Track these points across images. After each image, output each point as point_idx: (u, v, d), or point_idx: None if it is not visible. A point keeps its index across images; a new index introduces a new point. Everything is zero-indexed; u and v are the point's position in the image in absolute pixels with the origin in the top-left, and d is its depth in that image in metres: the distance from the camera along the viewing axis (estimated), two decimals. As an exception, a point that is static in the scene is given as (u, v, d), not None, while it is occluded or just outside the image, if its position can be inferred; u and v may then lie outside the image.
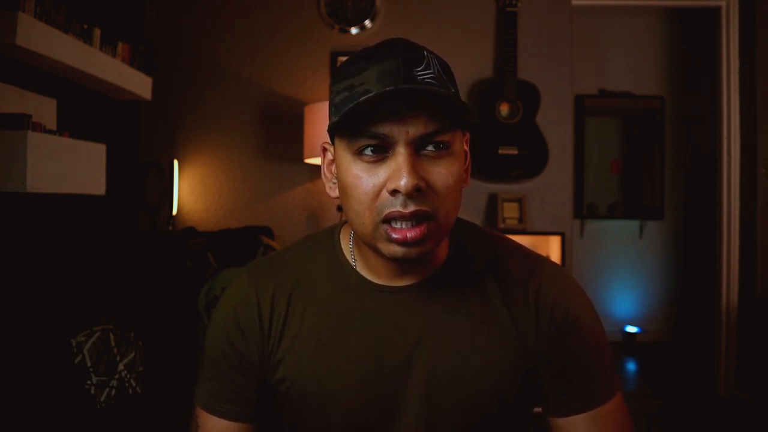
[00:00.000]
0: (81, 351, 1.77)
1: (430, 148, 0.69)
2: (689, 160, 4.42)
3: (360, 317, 0.78)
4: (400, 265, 0.76)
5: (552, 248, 2.86)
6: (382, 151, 0.69)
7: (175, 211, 2.92)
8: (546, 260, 0.84)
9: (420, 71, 0.67)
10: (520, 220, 2.91)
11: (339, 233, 0.84)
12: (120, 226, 2.72)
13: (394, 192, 0.67)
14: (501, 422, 0.79)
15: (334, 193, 0.77)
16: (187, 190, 2.97)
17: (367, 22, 2.94)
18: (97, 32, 2.15)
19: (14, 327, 1.76)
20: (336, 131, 0.72)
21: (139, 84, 2.47)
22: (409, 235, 0.68)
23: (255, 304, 0.80)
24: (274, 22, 2.98)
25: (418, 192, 0.67)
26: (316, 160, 2.71)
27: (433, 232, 0.70)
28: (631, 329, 4.30)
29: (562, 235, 2.87)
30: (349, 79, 0.69)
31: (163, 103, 2.89)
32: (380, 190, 0.69)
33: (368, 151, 0.69)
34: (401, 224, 0.68)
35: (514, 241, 0.86)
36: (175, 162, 2.94)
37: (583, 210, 4.39)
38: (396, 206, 0.67)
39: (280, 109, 2.97)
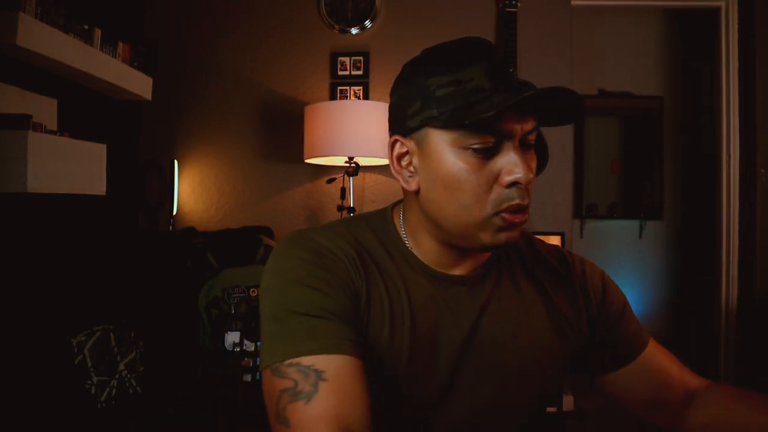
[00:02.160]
0: (81, 351, 1.77)
1: (527, 144, 0.74)
2: (689, 160, 4.42)
3: (418, 296, 0.79)
4: (460, 254, 0.80)
5: (552, 248, 2.86)
6: (493, 144, 0.72)
7: (175, 211, 2.92)
8: (565, 249, 0.93)
9: (512, 71, 0.73)
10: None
11: (391, 217, 0.85)
12: (120, 226, 2.73)
13: (513, 184, 0.71)
14: (542, 407, 0.84)
15: (413, 185, 0.78)
16: (187, 190, 2.97)
17: (367, 23, 2.94)
18: (98, 32, 2.15)
19: (15, 327, 1.76)
20: (453, 125, 0.71)
21: (139, 84, 2.48)
22: (518, 219, 0.73)
23: (343, 257, 0.76)
24: (274, 22, 2.98)
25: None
26: (317, 160, 2.71)
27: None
28: (631, 329, 4.29)
29: (562, 235, 2.87)
30: (453, 74, 0.71)
31: (163, 103, 2.89)
32: (493, 183, 0.72)
33: (479, 146, 0.71)
34: (515, 213, 0.73)
35: (536, 236, 0.95)
36: (175, 162, 2.94)
37: (583, 210, 4.39)
38: (515, 199, 0.72)
39: (280, 109, 2.97)
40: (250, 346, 2.15)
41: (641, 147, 4.42)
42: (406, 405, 0.77)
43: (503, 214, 0.72)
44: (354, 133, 2.49)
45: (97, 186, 2.14)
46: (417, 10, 2.98)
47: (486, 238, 0.74)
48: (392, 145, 0.79)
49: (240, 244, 2.55)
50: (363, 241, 0.81)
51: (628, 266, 4.46)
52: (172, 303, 2.24)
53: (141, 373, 1.92)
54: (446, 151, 0.73)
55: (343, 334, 0.70)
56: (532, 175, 0.72)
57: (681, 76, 4.42)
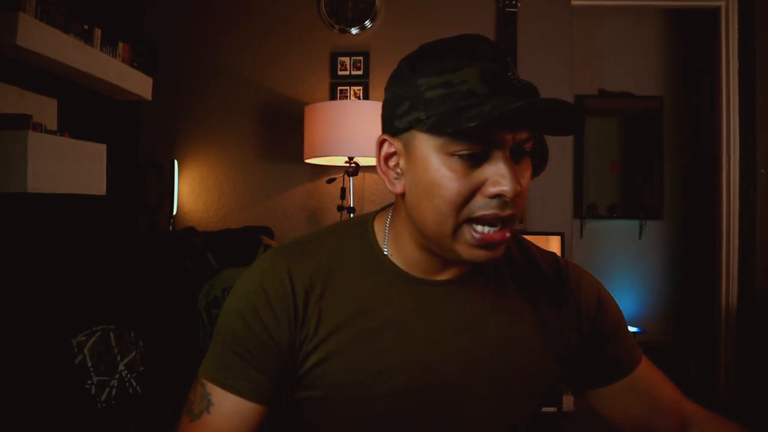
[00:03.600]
0: (81, 351, 1.77)
1: (521, 153, 0.70)
2: (689, 160, 4.42)
3: (398, 309, 0.77)
4: (444, 261, 0.76)
5: (552, 248, 2.86)
6: (481, 152, 0.68)
7: (175, 211, 2.92)
8: (562, 258, 0.90)
9: (512, 75, 0.68)
10: (521, 219, 2.91)
11: (372, 223, 0.83)
12: (120, 226, 2.73)
13: (496, 196, 0.67)
14: (533, 414, 0.82)
15: (399, 188, 0.75)
16: (187, 190, 2.97)
17: (367, 23, 2.95)
18: (98, 32, 2.15)
19: (15, 327, 1.76)
20: (438, 131, 0.68)
21: (139, 84, 2.48)
22: (497, 237, 0.69)
23: (289, 287, 0.76)
24: (274, 23, 2.98)
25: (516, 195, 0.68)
26: (317, 160, 2.71)
27: (511, 233, 0.72)
28: (632, 329, 4.30)
29: (562, 235, 2.87)
30: (444, 75, 0.67)
31: (163, 103, 2.89)
32: (474, 192, 0.68)
33: (465, 153, 0.67)
34: (489, 229, 0.69)
35: (531, 241, 0.91)
36: (175, 162, 2.94)
37: (583, 210, 4.39)
38: (493, 208, 0.67)
39: (280, 109, 2.97)
40: (250, 346, 2.15)
41: (641, 147, 4.42)
42: (391, 420, 0.76)
43: (470, 229, 0.69)
44: (354, 133, 2.49)
45: (97, 186, 2.14)
46: (417, 10, 2.98)
47: (462, 251, 0.70)
48: (380, 145, 0.76)
49: (240, 244, 2.55)
50: (335, 255, 0.79)
51: (628, 266, 4.45)
52: (172, 303, 2.24)
53: (141, 373, 1.92)
54: (432, 156, 0.69)
55: (254, 378, 0.74)
56: (520, 188, 0.67)
57: (681, 76, 4.42)
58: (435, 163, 0.69)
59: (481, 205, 0.68)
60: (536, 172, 2.95)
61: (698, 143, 4.31)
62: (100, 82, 2.23)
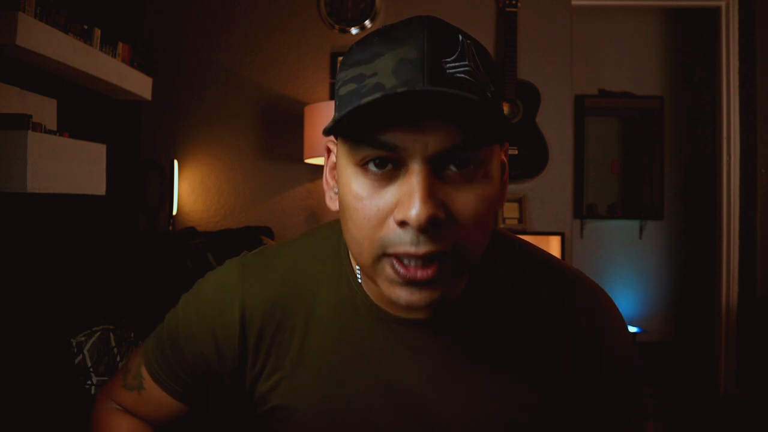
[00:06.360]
0: (81, 351, 1.77)
1: (454, 167, 0.53)
2: (689, 160, 4.42)
3: (369, 348, 0.66)
4: None
5: (552, 248, 2.86)
6: (393, 165, 0.53)
7: (175, 212, 2.92)
8: (582, 281, 0.70)
9: (451, 62, 0.52)
10: (520, 220, 2.91)
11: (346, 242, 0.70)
12: (120, 227, 2.73)
13: (403, 223, 0.52)
14: None
15: (334, 205, 0.62)
16: (187, 191, 2.97)
17: (367, 23, 2.95)
18: (98, 32, 2.15)
19: (15, 327, 1.76)
20: (334, 134, 0.55)
21: (139, 84, 2.47)
22: (419, 273, 0.52)
23: (238, 319, 0.68)
24: (274, 22, 2.98)
25: (435, 225, 0.51)
26: (317, 160, 2.71)
27: (449, 272, 0.54)
28: (631, 329, 4.30)
29: (562, 235, 2.87)
30: (360, 66, 0.54)
31: (163, 103, 2.89)
32: (386, 217, 0.53)
33: (373, 165, 0.53)
34: (411, 261, 0.53)
35: (542, 253, 0.72)
36: (175, 162, 2.94)
37: (583, 210, 4.39)
38: (405, 243, 0.52)
39: (280, 109, 2.97)
40: (250, 346, 2.14)
41: (642, 147, 4.43)
42: None
43: (392, 261, 0.53)
44: (354, 133, 2.48)
45: (97, 186, 2.14)
46: (417, 10, 2.97)
47: (384, 288, 0.55)
48: (327, 154, 0.65)
49: (240, 244, 2.55)
50: (302, 277, 0.68)
51: (628, 266, 4.46)
52: (172, 303, 2.24)
53: (141, 373, 1.92)
54: (346, 168, 0.56)
55: (184, 384, 0.75)
56: (433, 213, 0.50)
57: (681, 76, 4.42)
58: (347, 177, 0.55)
59: (393, 238, 0.52)
60: (536, 172, 2.96)
61: (698, 143, 4.31)
62: (100, 82, 2.23)
